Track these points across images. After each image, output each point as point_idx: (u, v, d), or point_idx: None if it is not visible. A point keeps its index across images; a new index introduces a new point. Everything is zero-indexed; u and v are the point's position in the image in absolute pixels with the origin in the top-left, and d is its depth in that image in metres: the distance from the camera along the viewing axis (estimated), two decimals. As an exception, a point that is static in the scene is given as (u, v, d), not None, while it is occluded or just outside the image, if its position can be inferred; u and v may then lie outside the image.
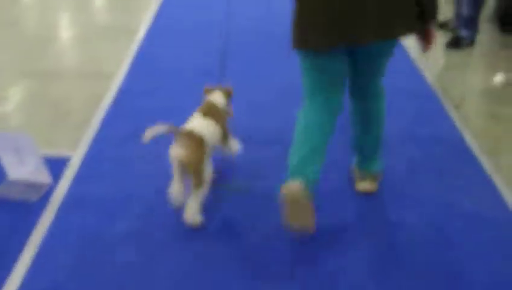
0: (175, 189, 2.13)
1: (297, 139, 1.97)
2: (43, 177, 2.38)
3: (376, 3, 1.81)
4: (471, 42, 4.20)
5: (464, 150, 2.73)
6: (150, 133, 1.97)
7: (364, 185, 2.34)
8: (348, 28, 1.82)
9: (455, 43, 4.16)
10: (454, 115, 3.11)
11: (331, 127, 2.01)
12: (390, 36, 1.90)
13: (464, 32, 4.18)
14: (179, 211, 2.16)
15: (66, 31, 4.45)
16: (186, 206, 2.08)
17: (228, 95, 2.34)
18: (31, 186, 2.37)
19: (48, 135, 2.80)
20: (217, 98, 2.29)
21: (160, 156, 2.25)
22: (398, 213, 2.23)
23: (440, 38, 4.30)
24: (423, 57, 3.90)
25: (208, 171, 2.06)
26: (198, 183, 2.03)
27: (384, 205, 2.28)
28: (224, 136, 2.30)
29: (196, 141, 2.04)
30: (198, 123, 2.13)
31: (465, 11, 4.13)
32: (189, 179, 2.06)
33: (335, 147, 2.27)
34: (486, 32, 4.47)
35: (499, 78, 3.68)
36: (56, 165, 2.49)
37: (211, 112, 2.21)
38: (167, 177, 2.18)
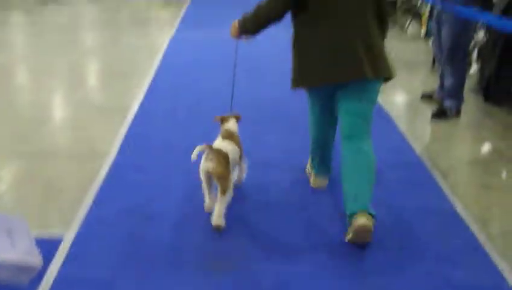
0: (207, 198, 2.78)
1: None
2: (35, 259, 2.39)
3: (352, 59, 2.53)
4: (456, 112, 4.37)
5: (455, 220, 2.79)
6: (195, 151, 2.53)
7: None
8: (331, 72, 2.55)
9: (441, 114, 4.33)
10: (443, 185, 3.20)
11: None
12: (360, 77, 2.54)
13: (448, 103, 4.36)
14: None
15: (59, 111, 4.60)
16: (215, 213, 2.63)
17: (238, 119, 3.06)
18: (21, 269, 2.37)
19: (40, 215, 2.85)
20: (232, 125, 2.98)
21: (151, 236, 2.30)
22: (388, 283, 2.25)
23: (426, 110, 4.50)
24: (411, 129, 4.06)
25: (232, 181, 2.66)
26: (224, 190, 2.60)
27: (374, 274, 2.31)
28: (240, 155, 2.95)
29: (222, 156, 2.64)
30: (223, 144, 2.76)
31: (449, 82, 4.34)
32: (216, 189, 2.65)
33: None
34: (471, 102, 4.69)
35: (486, 147, 3.83)
36: (48, 246, 2.52)
37: (230, 136, 2.89)
38: (158, 260, 2.21)
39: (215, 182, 2.67)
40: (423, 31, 7.07)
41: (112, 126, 4.07)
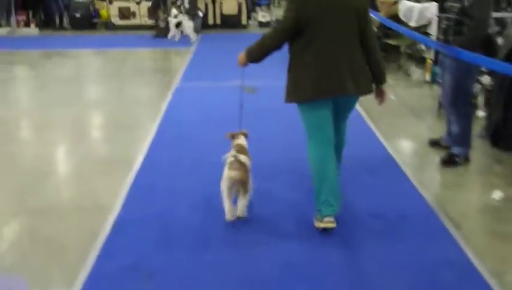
0: (228, 205, 3.34)
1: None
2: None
3: (347, 75, 3.18)
4: (465, 159, 4.38)
5: (471, 273, 2.77)
6: (225, 158, 3.45)
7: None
8: (329, 86, 3.19)
9: (449, 161, 4.34)
10: (456, 235, 3.18)
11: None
12: (357, 93, 3.25)
13: (456, 150, 4.37)
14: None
15: (62, 165, 4.66)
16: (238, 205, 3.38)
17: (246, 136, 3.77)
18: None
19: (43, 273, 2.85)
20: (242, 141, 3.69)
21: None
22: None
23: (434, 157, 4.52)
24: (419, 177, 4.07)
25: (250, 184, 3.43)
26: (246, 191, 3.37)
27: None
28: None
29: (243, 165, 3.39)
30: (241, 156, 3.44)
31: (455, 128, 4.37)
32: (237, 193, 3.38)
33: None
34: (479, 148, 4.70)
35: (497, 194, 3.81)
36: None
37: (242, 150, 3.57)
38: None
39: (236, 189, 3.36)
40: (428, 76, 7.18)
41: (117, 179, 4.11)
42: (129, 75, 8.47)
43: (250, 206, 3.46)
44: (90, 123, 5.95)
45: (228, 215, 3.36)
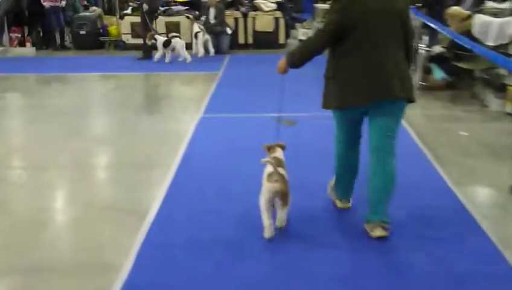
0: (267, 221, 3.92)
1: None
2: None
3: (394, 79, 3.80)
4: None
5: None
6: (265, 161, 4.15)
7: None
8: (376, 91, 3.81)
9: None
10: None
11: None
12: (404, 96, 3.87)
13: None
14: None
15: (61, 213, 4.75)
16: (277, 216, 3.98)
17: (283, 148, 4.36)
18: None
19: None
20: (279, 154, 4.27)
21: None
22: None
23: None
24: (500, 232, 4.01)
25: (290, 197, 3.98)
26: (286, 203, 3.95)
27: None
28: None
29: (284, 177, 3.97)
30: (280, 168, 4.02)
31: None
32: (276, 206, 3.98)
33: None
34: None
35: None
36: None
37: (280, 163, 4.14)
38: None
39: (277, 200, 3.93)
40: (509, 107, 7.12)
41: (127, 231, 4.17)
42: (143, 105, 8.66)
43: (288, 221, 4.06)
44: (95, 163, 6.08)
45: (267, 232, 3.94)
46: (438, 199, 4.68)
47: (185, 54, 11.42)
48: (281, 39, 13.32)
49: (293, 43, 13.51)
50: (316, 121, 6.58)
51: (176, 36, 11.69)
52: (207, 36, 12.09)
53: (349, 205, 4.49)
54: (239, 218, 4.33)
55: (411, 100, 3.97)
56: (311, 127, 6.47)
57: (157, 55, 11.57)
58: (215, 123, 7.08)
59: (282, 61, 4.10)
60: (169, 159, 5.67)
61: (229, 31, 12.67)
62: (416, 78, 8.73)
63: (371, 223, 4.01)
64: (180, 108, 8.08)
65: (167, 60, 11.50)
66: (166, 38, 11.49)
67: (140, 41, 12.04)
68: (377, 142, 3.95)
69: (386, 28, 3.82)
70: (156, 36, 11.55)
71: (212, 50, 12.20)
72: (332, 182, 4.55)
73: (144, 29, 11.77)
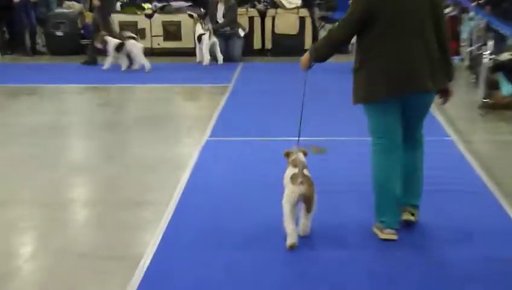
0: (290, 227, 4.42)
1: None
2: None
3: (424, 70, 4.38)
4: None
5: None
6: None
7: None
8: (405, 82, 4.39)
9: None
10: None
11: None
12: (433, 89, 4.49)
13: None
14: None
15: (27, 262, 4.63)
16: (301, 224, 4.57)
17: (305, 155, 4.79)
18: None
19: None
20: (302, 157, 4.70)
21: None
22: None
23: None
24: None
25: (315, 202, 4.51)
26: (311, 208, 4.49)
27: None
28: None
29: (310, 179, 4.49)
30: (305, 172, 4.51)
31: None
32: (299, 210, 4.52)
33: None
34: None
35: None
36: None
37: (305, 167, 4.59)
38: None
39: (302, 204, 4.46)
40: None
41: (112, 286, 4.11)
42: (135, 125, 8.63)
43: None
44: (73, 197, 6.00)
45: (290, 239, 4.42)
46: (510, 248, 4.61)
47: (143, 60, 11.51)
48: (308, 44, 13.16)
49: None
50: (349, 148, 6.57)
51: (131, 37, 11.77)
52: (214, 39, 12.10)
53: (395, 236, 4.67)
54: (253, 273, 4.26)
55: (442, 87, 4.62)
56: (342, 155, 6.41)
57: (107, 62, 11.70)
58: (224, 148, 7.07)
59: (305, 56, 4.70)
60: (167, 193, 5.62)
61: (241, 33, 12.68)
62: (479, 94, 8.64)
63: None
64: (181, 129, 8.08)
65: (123, 67, 11.66)
66: (119, 42, 11.57)
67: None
68: (405, 133, 4.60)
69: (414, 15, 4.37)
70: (107, 38, 11.58)
71: (220, 57, 12.24)
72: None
73: (99, 28, 11.88)
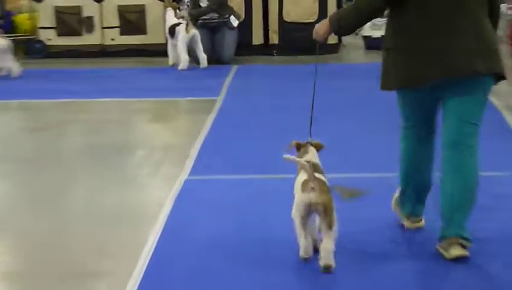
0: (302, 240, 4.85)
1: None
2: None
3: (472, 50, 4.78)
4: None
5: None
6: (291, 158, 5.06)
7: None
8: (436, 68, 4.82)
9: None
10: None
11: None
12: (487, 71, 4.83)
13: None
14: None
15: None
16: (321, 249, 4.78)
17: (319, 149, 5.25)
18: None
19: None
20: (312, 156, 5.12)
21: None
22: None
23: None
24: None
25: (335, 214, 4.78)
26: (331, 223, 4.70)
27: None
28: None
29: (325, 185, 4.79)
30: (317, 173, 4.83)
31: None
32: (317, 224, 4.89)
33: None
34: None
35: None
36: None
37: (317, 169, 4.98)
38: None
39: (317, 216, 4.82)
40: None
41: None
42: (78, 159, 8.64)
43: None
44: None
45: (302, 252, 4.93)
46: None
47: (11, 64, 11.74)
48: (331, 38, 13.17)
49: (352, 43, 13.65)
50: (384, 188, 6.54)
51: None
52: (194, 32, 12.11)
53: (422, 223, 5.61)
54: None
55: (500, 76, 4.98)
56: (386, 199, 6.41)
57: None
58: (210, 192, 7.03)
59: (323, 24, 5.14)
60: (129, 259, 5.60)
61: (235, 22, 12.69)
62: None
63: (445, 240, 5.01)
64: (148, 164, 8.06)
65: None
66: None
67: (73, 42, 12.18)
68: (451, 135, 4.99)
69: None
70: None
71: (203, 58, 12.30)
72: (396, 195, 5.66)
73: None
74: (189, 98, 10.78)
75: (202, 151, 8.26)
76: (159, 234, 6.03)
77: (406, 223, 5.57)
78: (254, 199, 6.82)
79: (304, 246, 4.87)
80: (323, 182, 4.81)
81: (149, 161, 8.25)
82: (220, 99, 10.51)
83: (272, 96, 10.89)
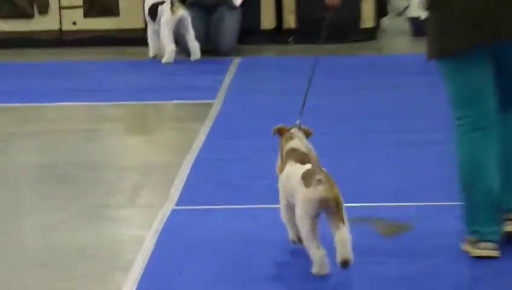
0: (315, 252, 5.17)
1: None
2: None
3: None
4: None
5: None
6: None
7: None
8: (492, 26, 5.33)
9: None
10: None
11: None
12: None
13: None
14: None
15: None
16: (338, 245, 5.06)
17: (307, 136, 5.91)
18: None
19: None
20: (299, 143, 5.64)
21: None
22: None
23: None
24: None
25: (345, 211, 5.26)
26: (343, 217, 5.09)
27: None
28: None
29: (329, 177, 5.18)
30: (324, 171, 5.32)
31: None
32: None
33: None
34: None
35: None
36: None
37: (306, 158, 5.41)
38: None
39: (326, 213, 5.11)
40: None
41: None
42: (31, 182, 8.73)
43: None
44: None
45: (318, 268, 5.23)
46: None
47: None
48: (367, 18, 13.37)
49: (394, 27, 13.79)
50: (444, 220, 6.60)
51: None
52: (182, 13, 12.16)
53: (496, 252, 5.64)
54: None
55: None
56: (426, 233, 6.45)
57: None
58: (202, 226, 7.09)
59: None
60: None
61: (237, 0, 12.77)
62: None
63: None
64: (123, 190, 8.14)
65: None
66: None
67: (22, 27, 12.34)
68: (504, 100, 5.53)
69: None
70: None
71: (196, 47, 12.39)
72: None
73: None
74: (176, 101, 10.83)
75: (193, 173, 8.34)
76: (135, 287, 6.06)
77: (476, 252, 5.59)
78: (257, 234, 6.84)
79: (319, 259, 5.11)
80: (326, 172, 5.10)
81: (123, 186, 8.30)
82: (217, 103, 10.58)
83: (285, 98, 10.82)
